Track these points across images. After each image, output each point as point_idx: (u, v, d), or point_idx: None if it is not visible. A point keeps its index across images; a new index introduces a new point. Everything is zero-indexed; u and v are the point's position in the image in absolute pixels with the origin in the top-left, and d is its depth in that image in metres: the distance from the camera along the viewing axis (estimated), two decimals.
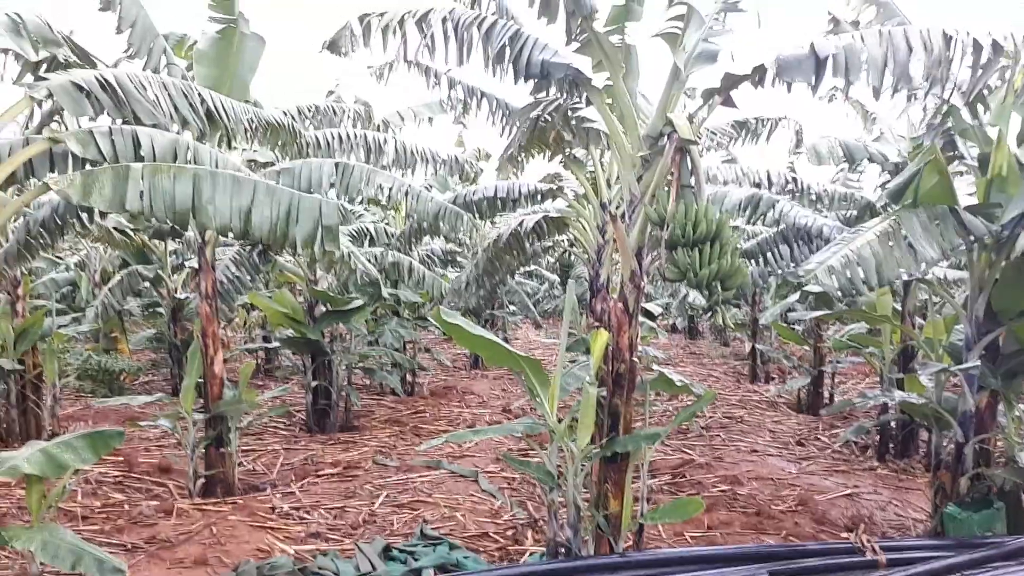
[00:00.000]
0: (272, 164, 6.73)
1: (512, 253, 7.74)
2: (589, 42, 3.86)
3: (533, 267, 14.35)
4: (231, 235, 5.04)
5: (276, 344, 10.24)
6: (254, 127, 5.07)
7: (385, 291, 7.77)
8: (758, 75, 3.56)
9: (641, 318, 6.93)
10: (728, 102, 3.73)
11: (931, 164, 4.25)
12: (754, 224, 6.92)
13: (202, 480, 6.01)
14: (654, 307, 8.00)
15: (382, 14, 4.35)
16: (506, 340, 16.74)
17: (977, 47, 3.35)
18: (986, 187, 4.56)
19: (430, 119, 8.92)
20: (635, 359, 4.04)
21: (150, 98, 4.23)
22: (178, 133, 4.86)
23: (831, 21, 5.04)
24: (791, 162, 9.95)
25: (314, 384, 8.45)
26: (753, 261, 7.18)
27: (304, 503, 5.83)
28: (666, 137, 3.73)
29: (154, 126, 4.46)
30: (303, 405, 8.74)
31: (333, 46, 4.50)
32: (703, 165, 3.94)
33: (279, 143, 5.64)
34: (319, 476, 6.66)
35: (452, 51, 4.20)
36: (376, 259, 8.22)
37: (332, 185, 6.16)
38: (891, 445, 7.97)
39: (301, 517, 5.53)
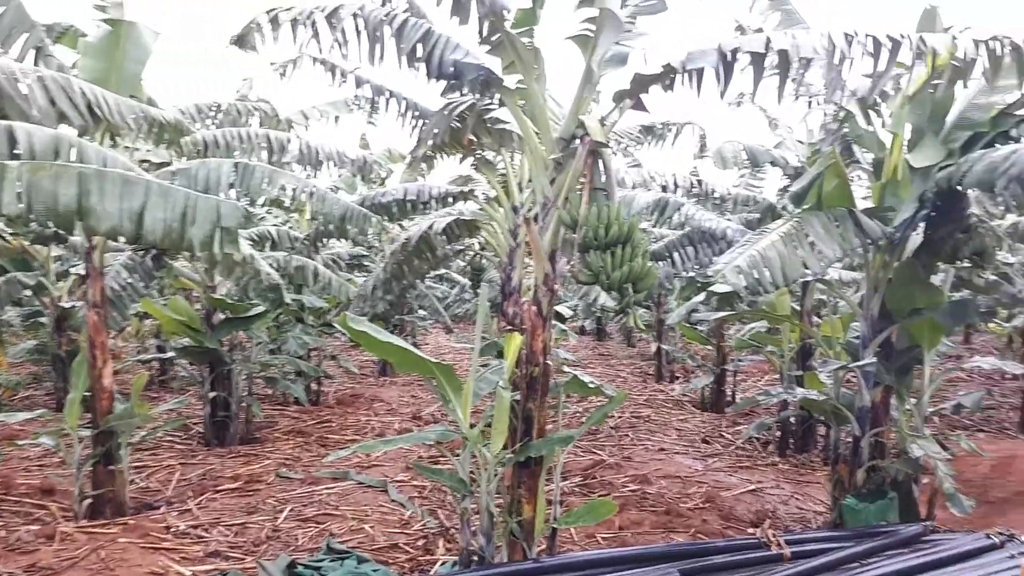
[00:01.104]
0: (168, 164, 6.37)
1: (422, 256, 7.59)
2: (501, 43, 3.79)
3: (444, 271, 14.20)
4: (122, 239, 4.72)
5: (171, 354, 9.72)
6: (139, 125, 4.75)
7: (288, 296, 7.47)
8: (667, 76, 3.58)
9: (553, 321, 6.92)
10: (639, 105, 3.75)
11: (831, 168, 4.40)
12: (661, 227, 7.02)
13: (89, 501, 5.61)
14: (564, 309, 8.03)
15: (289, 8, 4.16)
16: (416, 346, 16.56)
17: (877, 46, 3.46)
18: (880, 191, 4.76)
19: (336, 118, 8.67)
20: (549, 362, 3.99)
21: (22, 92, 3.89)
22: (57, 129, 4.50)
23: (737, 28, 5.17)
24: (695, 166, 10.22)
25: (212, 395, 8.05)
26: (660, 263, 7.30)
27: (202, 521, 5.52)
28: (578, 140, 3.70)
29: (33, 122, 4.12)
30: (201, 417, 8.31)
31: (241, 41, 4.27)
32: (614, 168, 3.93)
33: (169, 142, 5.32)
34: (218, 492, 6.33)
35: (363, 48, 4.06)
36: (279, 264, 7.91)
37: (231, 186, 5.88)
38: (791, 440, 8.27)
39: (199, 536, 5.23)
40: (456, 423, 4.02)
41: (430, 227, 6.97)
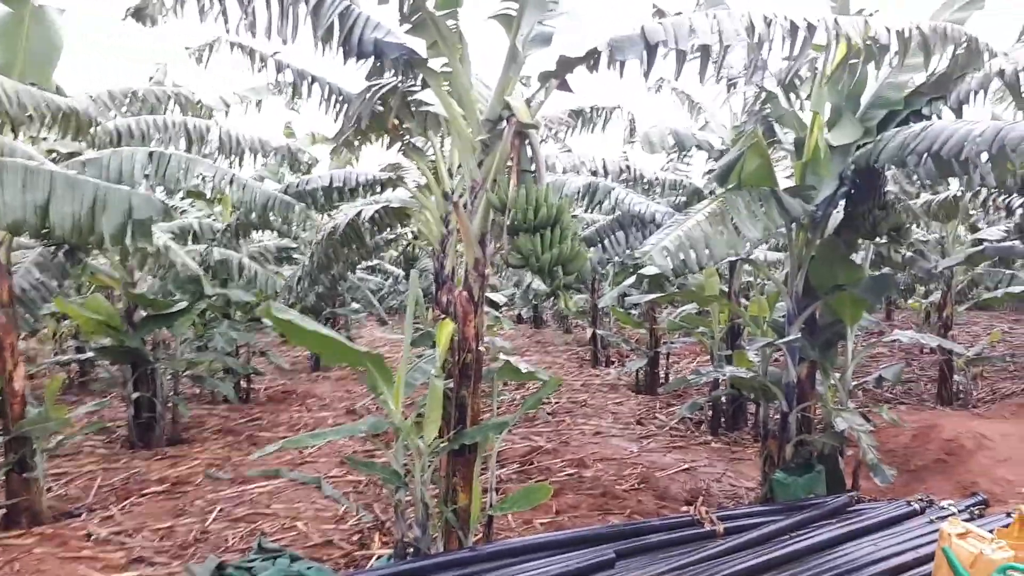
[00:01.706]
0: (78, 155, 6.05)
1: (350, 246, 7.42)
2: (423, 23, 3.70)
3: (376, 261, 13.98)
4: (26, 234, 4.46)
5: (90, 355, 9.30)
6: (42, 114, 4.48)
7: (208, 289, 7.22)
8: (592, 58, 3.55)
9: (486, 308, 6.86)
10: (564, 86, 3.71)
11: (753, 148, 4.45)
12: (592, 211, 7.03)
13: (2, 511, 5.31)
14: (499, 297, 7.98)
15: None
16: (350, 339, 16.29)
17: (794, 29, 3.50)
18: (802, 170, 4.85)
19: (258, 104, 8.39)
20: (481, 349, 3.94)
21: None
22: None
23: (655, 13, 5.17)
24: (624, 151, 10.28)
25: (136, 396, 7.73)
26: (592, 247, 7.32)
27: (126, 526, 5.30)
28: (505, 121, 3.65)
29: None
30: (125, 419, 7.98)
31: (139, 14, 4.06)
32: (543, 151, 3.89)
33: (77, 131, 5.04)
34: (143, 495, 6.09)
35: (275, 26, 3.91)
36: (201, 256, 7.63)
37: (146, 176, 5.63)
38: (722, 419, 8.45)
39: (122, 542, 5.01)
40: (389, 414, 3.94)
41: (358, 215, 6.82)
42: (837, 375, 5.35)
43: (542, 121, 7.18)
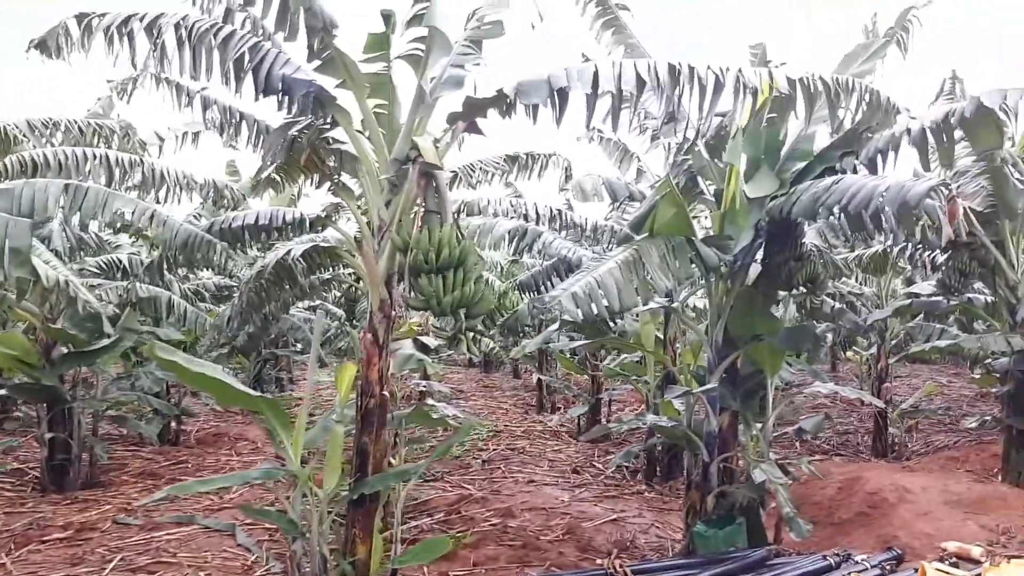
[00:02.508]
0: None
1: (282, 286, 7.27)
2: (332, 60, 3.67)
3: (319, 302, 13.77)
4: None
5: (3, 392, 8.91)
6: None
7: (107, 328, 6.99)
8: (502, 101, 3.54)
9: (415, 352, 6.75)
10: (472, 128, 3.69)
11: (667, 197, 4.47)
12: (520, 255, 7.02)
13: None
14: (431, 340, 7.84)
15: (104, 14, 3.89)
16: (291, 380, 15.94)
17: (699, 79, 3.54)
18: (720, 220, 4.89)
19: (195, 138, 8.26)
20: (386, 393, 3.83)
21: None
22: None
23: (584, 59, 5.23)
24: (567, 198, 10.33)
25: (50, 436, 7.40)
26: (528, 292, 7.29)
27: None
28: (412, 161, 3.61)
29: None
30: (39, 460, 7.62)
31: (43, 46, 3.96)
32: (450, 194, 3.86)
33: None
34: (44, 542, 5.76)
35: (187, 62, 3.84)
36: (123, 292, 7.41)
37: (61, 208, 5.46)
38: (657, 468, 8.37)
39: None
40: (286, 461, 3.79)
41: (287, 254, 6.69)
42: (759, 425, 5.32)
43: (478, 166, 7.19)
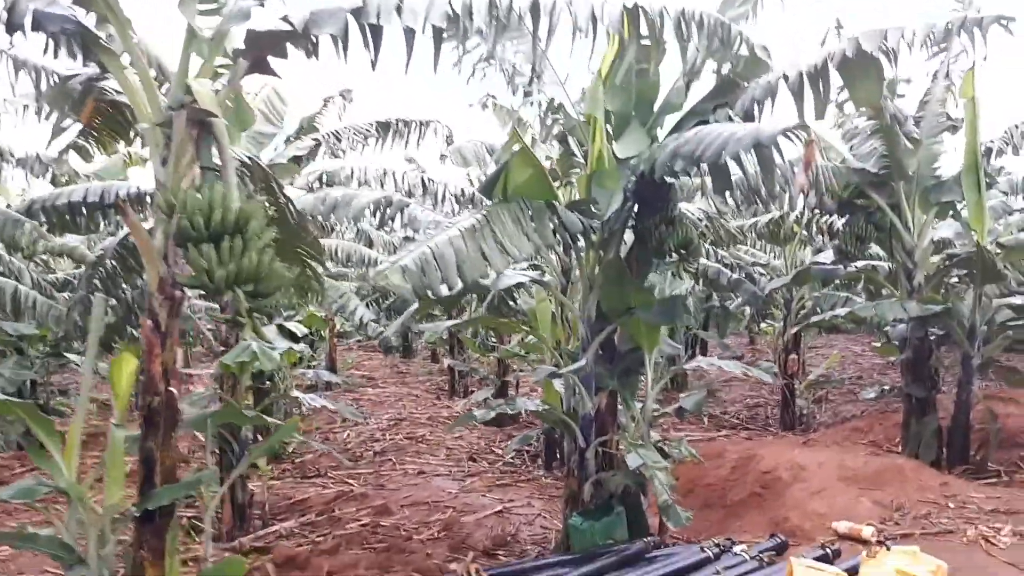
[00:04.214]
0: None
1: (132, 270, 6.52)
2: None
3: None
4: None
5: None
6: None
7: None
8: (293, 34, 2.95)
9: (282, 340, 6.10)
10: (262, 68, 3.09)
11: (521, 157, 3.96)
12: (384, 226, 6.45)
13: None
14: (297, 327, 7.20)
15: None
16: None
17: (535, 10, 3.01)
18: (587, 182, 4.41)
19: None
20: (173, 390, 3.21)
21: None
22: None
23: None
24: (470, 173, 9.78)
25: None
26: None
27: None
28: (185, 109, 2.99)
29: None
30: None
31: None
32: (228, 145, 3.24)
33: None
34: None
35: None
36: None
37: None
38: (557, 452, 7.94)
39: None
40: (53, 474, 3.16)
41: (128, 236, 5.95)
42: (639, 405, 4.89)
43: (348, 132, 6.57)
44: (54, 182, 6.69)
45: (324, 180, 6.22)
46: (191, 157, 2.99)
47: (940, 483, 5.44)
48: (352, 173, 6.12)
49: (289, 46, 3.14)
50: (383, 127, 6.58)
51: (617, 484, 4.63)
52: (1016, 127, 6.97)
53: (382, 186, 6.02)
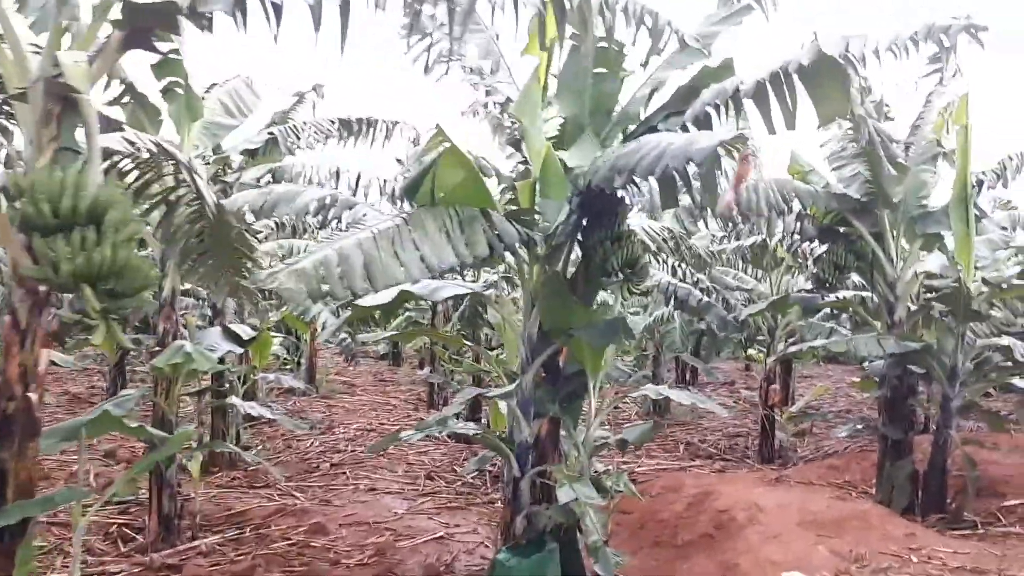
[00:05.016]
0: None
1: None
2: None
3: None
4: None
5: None
6: None
7: None
8: (174, 6, 2.65)
9: (226, 343, 5.78)
10: (141, 43, 2.79)
11: (452, 158, 3.64)
12: (328, 225, 6.14)
13: None
14: (244, 330, 6.86)
15: None
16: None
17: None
18: (529, 190, 4.09)
19: None
20: (32, 395, 2.90)
21: None
22: None
23: None
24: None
25: None
26: None
27: None
28: (51, 83, 2.69)
29: None
30: None
31: None
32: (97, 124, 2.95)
33: None
34: None
35: None
36: None
37: None
38: None
39: None
40: None
41: None
42: (582, 435, 4.55)
43: (308, 128, 6.28)
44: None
45: (274, 176, 5.94)
46: (51, 136, 2.69)
47: (906, 533, 5.07)
48: (303, 171, 5.82)
49: (185, 21, 2.85)
50: (344, 124, 6.29)
51: (546, 520, 4.28)
52: (1011, 158, 6.62)
53: (336, 185, 5.73)
